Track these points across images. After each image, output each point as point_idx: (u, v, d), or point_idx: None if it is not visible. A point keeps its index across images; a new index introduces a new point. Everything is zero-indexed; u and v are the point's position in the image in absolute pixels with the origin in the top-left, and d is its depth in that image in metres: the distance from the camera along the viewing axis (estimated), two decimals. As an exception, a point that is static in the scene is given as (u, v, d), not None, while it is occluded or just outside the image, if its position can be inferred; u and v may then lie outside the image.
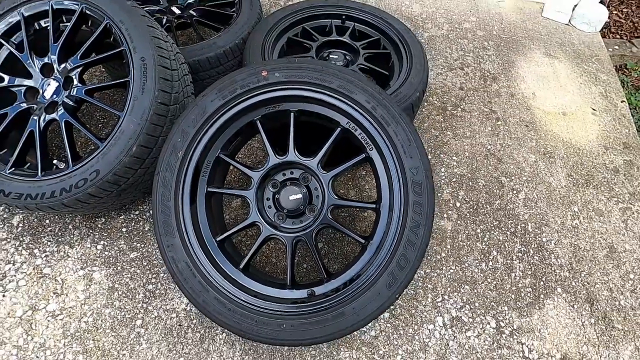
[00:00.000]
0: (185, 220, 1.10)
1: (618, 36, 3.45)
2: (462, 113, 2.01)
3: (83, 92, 1.32)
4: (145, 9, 1.85)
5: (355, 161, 1.13)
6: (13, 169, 1.32)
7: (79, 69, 1.34)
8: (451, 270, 1.52)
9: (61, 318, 1.36)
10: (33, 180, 1.28)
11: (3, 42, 1.36)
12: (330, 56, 1.73)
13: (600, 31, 2.57)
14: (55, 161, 1.37)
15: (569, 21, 2.55)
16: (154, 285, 1.44)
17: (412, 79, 1.63)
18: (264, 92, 1.11)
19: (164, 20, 1.84)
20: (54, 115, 1.31)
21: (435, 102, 2.04)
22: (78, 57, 1.34)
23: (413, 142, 1.07)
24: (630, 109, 2.17)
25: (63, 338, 1.32)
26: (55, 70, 1.36)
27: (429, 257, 1.54)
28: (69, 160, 1.29)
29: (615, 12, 3.62)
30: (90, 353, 1.30)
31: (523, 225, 1.66)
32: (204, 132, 1.13)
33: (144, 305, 1.40)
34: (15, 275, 1.43)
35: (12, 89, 1.37)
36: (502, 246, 1.60)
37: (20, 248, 1.49)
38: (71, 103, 1.33)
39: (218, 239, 1.14)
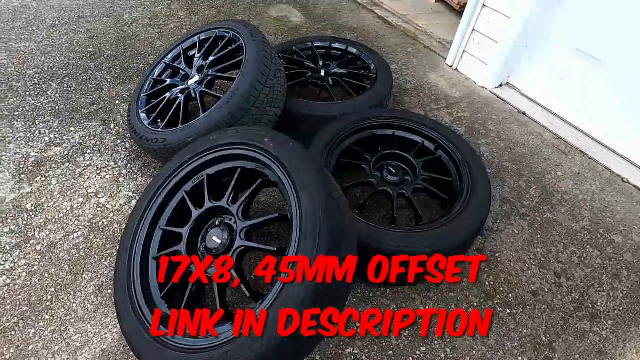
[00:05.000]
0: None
1: None
2: (505, 317, 1.55)
3: (200, 91, 1.86)
4: (305, 63, 2.34)
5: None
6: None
7: (210, 77, 1.89)
8: None
9: (99, 210, 1.92)
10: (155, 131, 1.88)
11: (188, 49, 2.09)
12: (388, 167, 1.72)
13: None
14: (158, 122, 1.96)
15: None
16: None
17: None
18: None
19: (308, 74, 2.27)
20: (179, 96, 1.91)
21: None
22: (215, 70, 1.89)
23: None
24: None
25: (87, 221, 1.86)
26: (203, 71, 1.96)
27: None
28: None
29: None
30: (87, 241, 1.79)
31: None
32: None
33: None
34: (107, 171, 2.11)
35: (181, 71, 2.06)
36: None
37: (121, 160, 2.16)
38: (192, 95, 1.89)
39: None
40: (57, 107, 2.46)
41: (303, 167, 1.17)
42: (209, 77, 1.91)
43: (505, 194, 2.04)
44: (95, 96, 2.57)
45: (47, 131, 2.31)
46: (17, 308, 1.55)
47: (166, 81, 2.03)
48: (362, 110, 1.91)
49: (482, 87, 2.77)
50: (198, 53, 2.03)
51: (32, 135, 2.27)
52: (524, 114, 2.54)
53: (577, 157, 2.28)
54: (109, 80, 2.70)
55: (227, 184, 1.37)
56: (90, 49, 3.00)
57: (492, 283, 1.67)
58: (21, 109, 2.44)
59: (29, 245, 1.76)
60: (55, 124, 2.35)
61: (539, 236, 1.86)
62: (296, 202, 1.12)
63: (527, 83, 2.67)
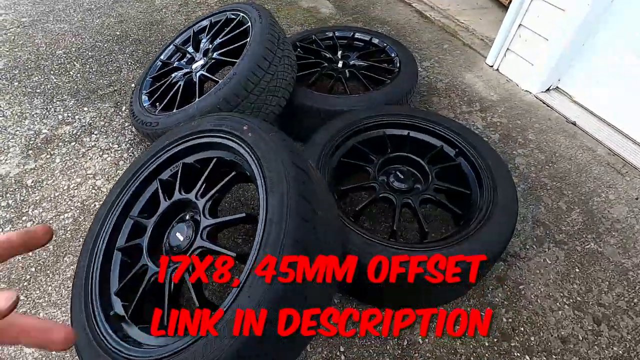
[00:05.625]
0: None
1: None
2: None
3: (200, 75, 1.73)
4: (322, 53, 2.16)
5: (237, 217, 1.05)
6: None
7: (213, 61, 1.76)
8: None
9: (93, 192, 1.87)
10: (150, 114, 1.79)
11: (199, 32, 1.97)
12: (396, 171, 1.48)
13: None
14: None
15: None
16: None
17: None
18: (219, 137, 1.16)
19: (324, 65, 2.08)
20: (180, 80, 1.80)
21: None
22: (218, 53, 1.75)
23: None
24: None
25: (79, 202, 1.81)
26: (208, 54, 1.83)
27: None
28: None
29: None
30: (76, 223, 1.73)
31: None
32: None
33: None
34: (110, 153, 2.06)
35: (188, 54, 1.96)
36: None
37: (125, 143, 2.11)
38: (194, 79, 1.77)
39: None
40: (75, 87, 2.47)
41: (281, 161, 0.99)
42: (212, 61, 1.78)
43: (539, 215, 1.73)
44: (113, 78, 2.55)
45: (62, 110, 2.31)
46: (-5, 285, 1.51)
47: (173, 64, 1.94)
48: (374, 107, 1.69)
49: (526, 90, 2.42)
50: (207, 36, 1.92)
51: (47, 113, 2.29)
52: (574, 124, 2.18)
53: (636, 179, 1.89)
54: (130, 63, 2.68)
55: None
56: (118, 33, 3.02)
57: (510, 320, 1.39)
58: (43, 86, 2.47)
59: (20, 222, 1.73)
60: (71, 104, 2.35)
61: (577, 270, 1.53)
62: (264, 203, 0.94)
63: (581, 88, 2.29)
